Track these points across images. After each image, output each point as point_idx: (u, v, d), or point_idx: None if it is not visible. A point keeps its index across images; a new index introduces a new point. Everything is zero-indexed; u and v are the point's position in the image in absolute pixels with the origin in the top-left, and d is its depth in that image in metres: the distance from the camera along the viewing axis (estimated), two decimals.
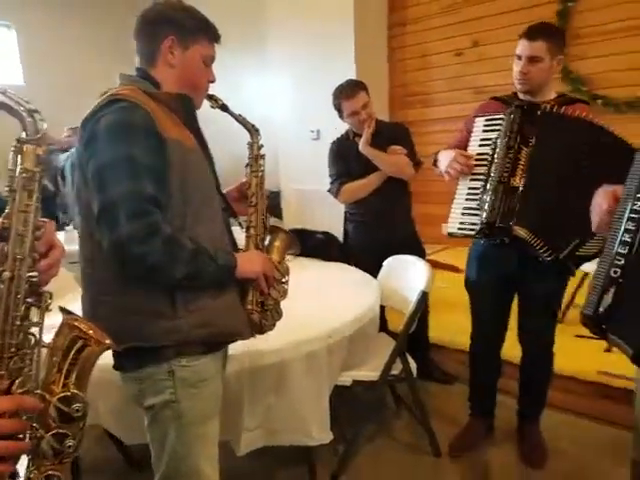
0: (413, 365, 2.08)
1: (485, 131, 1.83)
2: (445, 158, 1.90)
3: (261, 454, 1.73)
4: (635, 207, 1.07)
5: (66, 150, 3.96)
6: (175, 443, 1.20)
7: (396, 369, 2.02)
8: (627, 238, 1.08)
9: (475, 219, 1.78)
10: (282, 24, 4.63)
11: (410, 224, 2.59)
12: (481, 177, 1.80)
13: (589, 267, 2.74)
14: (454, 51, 4.32)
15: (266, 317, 1.33)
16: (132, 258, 1.07)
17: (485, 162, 1.79)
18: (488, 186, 1.76)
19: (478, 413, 2.24)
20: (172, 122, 1.17)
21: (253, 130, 1.40)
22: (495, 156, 1.75)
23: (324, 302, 2.01)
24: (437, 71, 4.43)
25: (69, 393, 0.87)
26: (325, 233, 2.68)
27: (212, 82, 1.30)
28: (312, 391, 1.74)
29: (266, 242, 1.41)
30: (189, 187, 1.16)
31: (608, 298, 1.11)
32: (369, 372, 1.98)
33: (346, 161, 2.52)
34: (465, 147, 1.90)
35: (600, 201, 1.20)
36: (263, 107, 4.60)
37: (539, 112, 1.71)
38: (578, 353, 2.50)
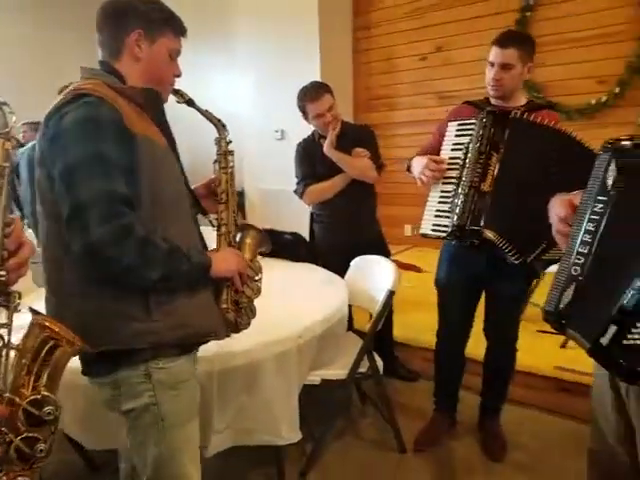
0: (380, 363, 2.12)
1: (457, 135, 1.87)
2: (418, 164, 1.94)
3: (228, 455, 1.72)
4: (595, 209, 1.12)
5: (22, 145, 3.82)
6: (159, 446, 1.18)
7: (363, 367, 2.05)
8: (587, 238, 1.13)
9: (447, 221, 1.83)
10: (248, 24, 4.62)
11: (375, 225, 2.63)
12: (453, 181, 1.84)
13: (550, 268, 2.88)
14: (419, 55, 4.42)
15: (241, 315, 1.33)
16: (105, 261, 1.04)
17: (457, 166, 1.84)
18: (460, 190, 1.80)
19: (442, 408, 2.30)
20: (140, 118, 1.14)
21: (220, 125, 1.37)
22: (467, 161, 1.80)
23: (293, 302, 2.03)
24: (402, 75, 4.52)
25: (39, 396, 0.85)
26: (293, 233, 2.69)
27: (178, 76, 1.28)
28: (282, 391, 1.75)
29: (237, 239, 1.40)
30: (159, 185, 1.13)
31: (568, 295, 1.16)
32: (337, 371, 2.01)
33: (312, 162, 2.54)
34: (438, 150, 1.94)
35: (558, 210, 1.25)
36: (228, 106, 4.58)
37: (510, 118, 1.76)
38: (535, 349, 2.59)
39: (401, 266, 3.19)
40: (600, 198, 1.11)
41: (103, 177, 1.04)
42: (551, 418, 2.38)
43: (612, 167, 1.10)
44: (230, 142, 1.39)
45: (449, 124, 1.93)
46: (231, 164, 1.38)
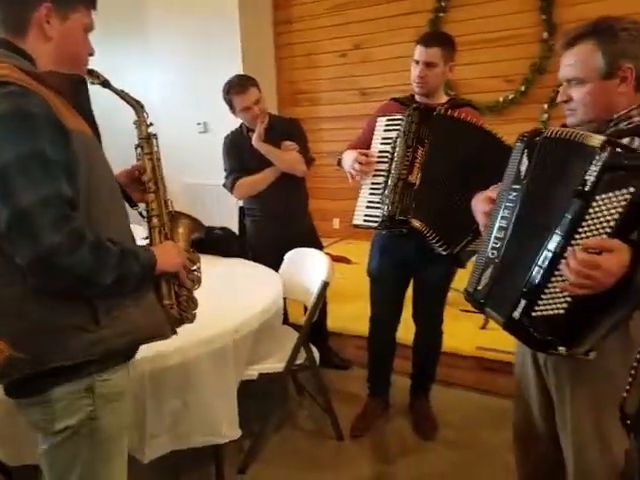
0: (316, 354, 2.15)
1: (386, 130, 1.96)
2: (348, 158, 2.01)
3: (163, 457, 1.67)
4: (510, 197, 1.23)
5: None
6: (89, 463, 1.09)
7: (300, 359, 2.07)
8: (503, 224, 1.24)
9: (378, 212, 1.92)
10: (165, 14, 4.46)
11: (307, 218, 2.66)
12: (383, 173, 1.93)
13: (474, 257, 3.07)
14: (339, 52, 4.49)
15: (185, 309, 1.28)
16: (59, 271, 0.95)
17: (386, 159, 1.92)
18: (389, 182, 1.89)
19: (376, 394, 2.38)
20: (67, 110, 1.05)
21: (138, 106, 1.28)
22: (395, 154, 1.89)
23: (227, 298, 1.99)
24: (323, 70, 4.58)
25: None
26: (223, 228, 2.64)
27: (91, 55, 1.17)
28: (220, 388, 1.72)
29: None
30: (96, 181, 1.05)
31: (486, 277, 1.27)
32: (275, 364, 2.01)
33: (240, 156, 2.52)
34: (368, 144, 2.02)
35: (480, 207, 1.36)
36: (147, 98, 4.40)
37: (434, 114, 1.87)
38: (458, 332, 2.75)
39: (332, 259, 3.24)
40: (514, 187, 1.22)
41: (46, 179, 0.94)
42: (475, 395, 2.54)
43: (524, 157, 1.21)
44: (151, 124, 1.30)
45: (378, 119, 2.01)
46: (155, 149, 1.30)
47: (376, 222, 1.92)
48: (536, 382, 1.39)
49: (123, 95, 1.27)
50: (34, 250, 0.92)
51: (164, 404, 1.62)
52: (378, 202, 1.92)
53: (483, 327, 2.81)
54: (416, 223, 1.87)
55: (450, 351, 2.60)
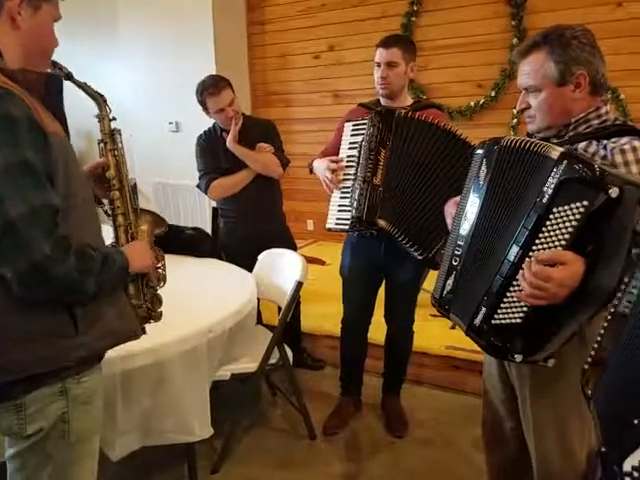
0: (290, 353, 2.16)
1: (353, 135, 2.01)
2: (319, 167, 2.08)
3: (134, 455, 1.66)
4: (470, 205, 1.25)
5: None
6: (60, 464, 1.08)
7: (273, 358, 2.08)
8: (464, 232, 1.26)
9: (348, 215, 1.96)
10: (136, 11, 4.40)
11: (281, 219, 2.66)
12: (351, 177, 1.97)
13: None
14: (312, 54, 4.51)
15: (153, 307, 1.28)
16: (51, 281, 0.95)
17: (354, 163, 1.97)
18: (356, 185, 1.94)
19: (348, 393, 2.41)
20: (43, 110, 1.02)
21: (101, 101, 1.25)
22: (360, 158, 1.93)
23: (201, 298, 1.99)
24: (297, 72, 4.58)
25: None
26: (195, 229, 2.62)
27: (56, 46, 1.14)
28: (192, 388, 1.72)
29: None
30: (73, 186, 1.03)
31: (450, 283, 1.30)
32: (248, 364, 2.02)
33: (215, 156, 2.50)
34: (338, 150, 2.07)
35: (450, 210, 1.39)
36: (118, 97, 4.33)
37: (395, 116, 1.91)
38: (427, 331, 2.80)
39: (306, 260, 3.25)
40: (475, 195, 1.25)
41: (35, 188, 0.93)
42: (445, 394, 2.59)
43: (484, 165, 1.24)
44: (114, 119, 1.27)
45: (345, 125, 2.06)
46: (120, 145, 1.27)
47: (347, 224, 1.96)
48: (502, 387, 1.42)
49: (85, 88, 1.24)
50: (28, 261, 0.92)
51: (135, 403, 1.61)
52: (348, 205, 1.96)
53: (452, 327, 2.86)
54: (382, 223, 1.91)
55: (420, 350, 2.64)
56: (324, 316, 2.90)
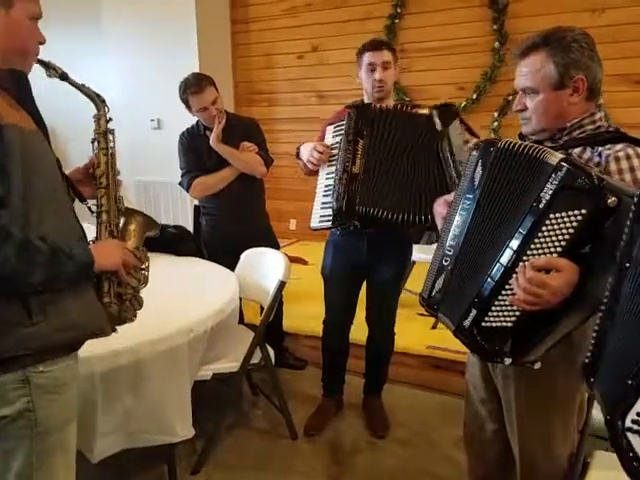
0: (272, 353, 2.15)
1: (335, 136, 2.01)
2: (306, 149, 2.07)
3: (114, 458, 1.64)
4: (464, 205, 1.24)
5: None
6: (28, 455, 1.08)
7: (255, 358, 2.07)
8: (456, 232, 1.25)
9: (330, 211, 1.95)
10: (119, 7, 4.34)
11: (264, 218, 2.65)
12: (332, 173, 1.97)
13: (413, 255, 3.14)
14: (296, 54, 4.50)
15: (125, 308, 1.26)
16: None
17: (335, 162, 1.97)
18: (336, 177, 1.94)
19: (330, 393, 2.41)
20: (6, 103, 1.03)
21: (99, 101, 1.27)
22: (340, 150, 1.95)
23: (182, 297, 1.97)
24: (281, 72, 4.57)
25: None
26: (177, 227, 2.59)
27: (42, 43, 1.13)
28: (173, 388, 1.70)
29: (120, 226, 1.31)
30: (31, 178, 1.03)
31: (439, 283, 1.29)
32: (229, 364, 2.00)
33: (198, 154, 2.48)
34: None
35: (440, 210, 1.38)
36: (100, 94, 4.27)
37: (371, 107, 1.94)
38: (409, 331, 2.81)
39: (289, 259, 3.25)
40: (468, 195, 1.24)
41: None
42: (426, 394, 2.60)
43: (479, 166, 1.22)
44: (110, 120, 1.29)
45: (326, 128, 2.07)
46: (111, 144, 1.29)
47: (329, 220, 1.96)
48: (484, 386, 1.43)
49: (82, 88, 1.25)
50: None
51: (115, 403, 1.59)
52: (330, 201, 1.96)
53: (434, 327, 2.89)
54: (362, 209, 1.90)
55: (402, 350, 2.66)
56: (307, 316, 2.89)
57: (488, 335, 1.13)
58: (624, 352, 0.81)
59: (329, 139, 2.03)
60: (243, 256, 2.34)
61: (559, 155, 1.07)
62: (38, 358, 1.06)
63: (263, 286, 2.15)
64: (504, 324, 1.10)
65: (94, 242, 1.24)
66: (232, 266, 2.32)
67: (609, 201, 0.97)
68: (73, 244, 1.10)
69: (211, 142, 2.40)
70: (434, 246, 3.45)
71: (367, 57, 2.01)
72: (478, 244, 1.20)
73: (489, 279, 1.13)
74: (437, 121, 1.88)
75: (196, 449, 2.09)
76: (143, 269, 1.32)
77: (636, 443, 0.74)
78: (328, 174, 2.00)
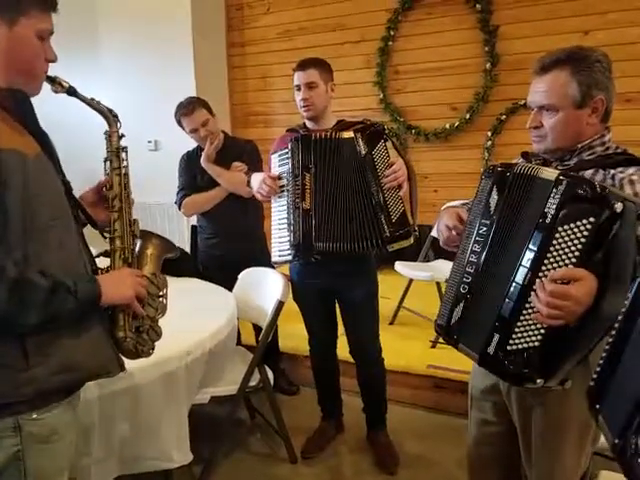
0: (270, 375, 2.12)
1: (280, 165, 2.00)
2: (255, 180, 2.06)
3: None
4: (481, 231, 1.24)
5: None
6: None
7: (253, 380, 2.04)
8: (474, 258, 1.24)
9: (289, 245, 1.94)
10: (117, 30, 4.40)
11: (260, 238, 2.64)
12: (285, 206, 1.97)
13: (410, 273, 3.14)
14: (291, 75, 4.53)
15: (142, 341, 1.18)
16: None
17: (285, 193, 1.97)
18: (289, 213, 1.94)
19: (328, 415, 2.37)
20: (7, 126, 0.96)
21: (111, 116, 1.19)
22: (288, 186, 1.95)
23: (180, 319, 1.91)
24: (278, 93, 4.61)
25: None
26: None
27: (53, 61, 1.06)
28: (171, 413, 1.66)
29: (136, 251, 1.24)
30: (33, 207, 0.96)
31: (458, 312, 1.27)
32: (227, 386, 1.97)
33: (193, 173, 2.53)
34: None
35: (446, 220, 1.37)
36: (96, 115, 4.29)
37: (312, 140, 1.92)
38: (408, 350, 2.81)
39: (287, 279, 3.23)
40: (484, 221, 1.23)
41: None
42: (423, 413, 2.57)
43: (494, 192, 1.22)
44: (123, 136, 1.22)
45: (272, 157, 2.06)
46: (124, 163, 1.20)
47: (290, 255, 1.94)
48: (492, 408, 1.39)
49: (93, 103, 1.18)
50: None
51: (112, 428, 1.55)
52: (287, 236, 1.95)
53: (433, 346, 2.87)
54: (320, 245, 1.89)
55: (402, 370, 2.64)
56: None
57: (515, 358, 1.11)
58: (636, 373, 0.79)
59: (275, 168, 2.02)
60: (240, 276, 2.33)
61: (556, 171, 1.08)
62: (32, 405, 0.99)
63: (261, 306, 2.14)
64: (530, 344, 1.08)
65: (108, 271, 1.16)
66: (229, 286, 2.31)
67: (616, 206, 0.97)
68: (78, 277, 1.02)
69: (201, 161, 2.45)
70: (432, 264, 3.47)
71: (294, 77, 2.02)
72: (496, 269, 1.19)
73: (507, 300, 1.12)
74: (361, 144, 1.89)
75: (194, 475, 2.03)
76: (161, 296, 1.24)
77: None
78: (280, 206, 1.99)
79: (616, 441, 0.77)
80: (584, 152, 1.21)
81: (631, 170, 1.14)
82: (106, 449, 1.54)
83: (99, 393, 1.48)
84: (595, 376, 0.89)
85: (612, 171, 1.16)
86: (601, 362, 0.89)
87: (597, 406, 0.88)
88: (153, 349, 1.23)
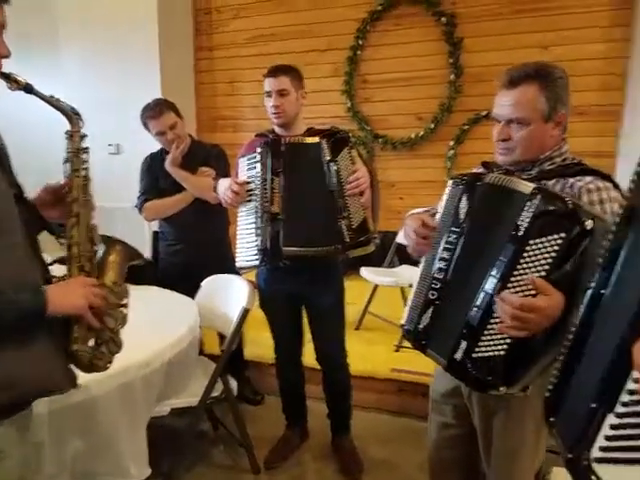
0: (234, 384, 2.08)
1: (249, 169, 1.98)
2: (222, 185, 2.03)
3: None
4: (449, 239, 1.26)
5: None
6: None
7: (216, 390, 2.00)
8: (442, 265, 1.26)
9: (256, 250, 1.92)
10: (79, 29, 4.29)
11: (225, 244, 2.59)
12: (252, 211, 1.95)
13: (376, 279, 3.15)
14: (260, 81, 4.51)
15: (100, 354, 1.12)
16: None
17: (254, 197, 1.95)
18: (257, 217, 1.92)
19: (293, 423, 2.35)
20: None
21: (72, 115, 1.13)
22: (257, 190, 1.93)
23: (138, 328, 1.85)
24: (246, 98, 4.58)
25: None
26: None
27: (6, 57, 1.01)
28: (128, 426, 1.60)
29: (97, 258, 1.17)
30: None
31: (427, 317, 1.28)
32: (189, 398, 1.92)
33: (155, 177, 2.47)
34: None
35: (411, 225, 1.38)
36: (56, 117, 4.16)
37: (281, 145, 1.92)
38: (372, 355, 2.81)
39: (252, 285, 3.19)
40: (454, 229, 1.25)
41: None
42: (387, 417, 2.58)
43: (464, 201, 1.25)
44: (85, 136, 1.15)
45: (239, 161, 2.04)
46: (85, 165, 1.14)
47: (257, 260, 1.92)
48: (452, 411, 1.42)
49: (52, 101, 1.12)
50: None
51: (65, 443, 1.48)
52: (254, 241, 1.93)
53: (397, 350, 2.89)
54: (287, 250, 1.88)
55: (366, 375, 2.64)
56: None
57: (481, 365, 1.13)
58: (589, 381, 0.80)
59: (243, 172, 1.99)
60: (204, 283, 2.28)
61: (531, 184, 1.10)
62: None
63: (225, 314, 2.09)
64: (496, 353, 1.10)
65: (65, 279, 1.09)
66: (192, 295, 2.26)
67: (586, 223, 1.00)
68: (21, 287, 0.96)
69: (166, 165, 2.39)
70: (396, 269, 3.48)
71: (265, 83, 2.00)
72: (465, 277, 1.21)
73: (475, 308, 1.14)
74: (326, 150, 1.90)
75: None
76: (122, 306, 1.18)
77: (603, 473, 0.72)
78: (248, 210, 1.97)
79: (569, 455, 0.78)
80: (545, 163, 1.25)
81: (588, 179, 1.18)
82: (58, 464, 1.48)
83: (50, 406, 1.41)
84: (551, 387, 0.91)
85: (571, 180, 1.20)
86: (556, 373, 0.90)
87: (552, 419, 0.89)
88: (111, 362, 1.17)
